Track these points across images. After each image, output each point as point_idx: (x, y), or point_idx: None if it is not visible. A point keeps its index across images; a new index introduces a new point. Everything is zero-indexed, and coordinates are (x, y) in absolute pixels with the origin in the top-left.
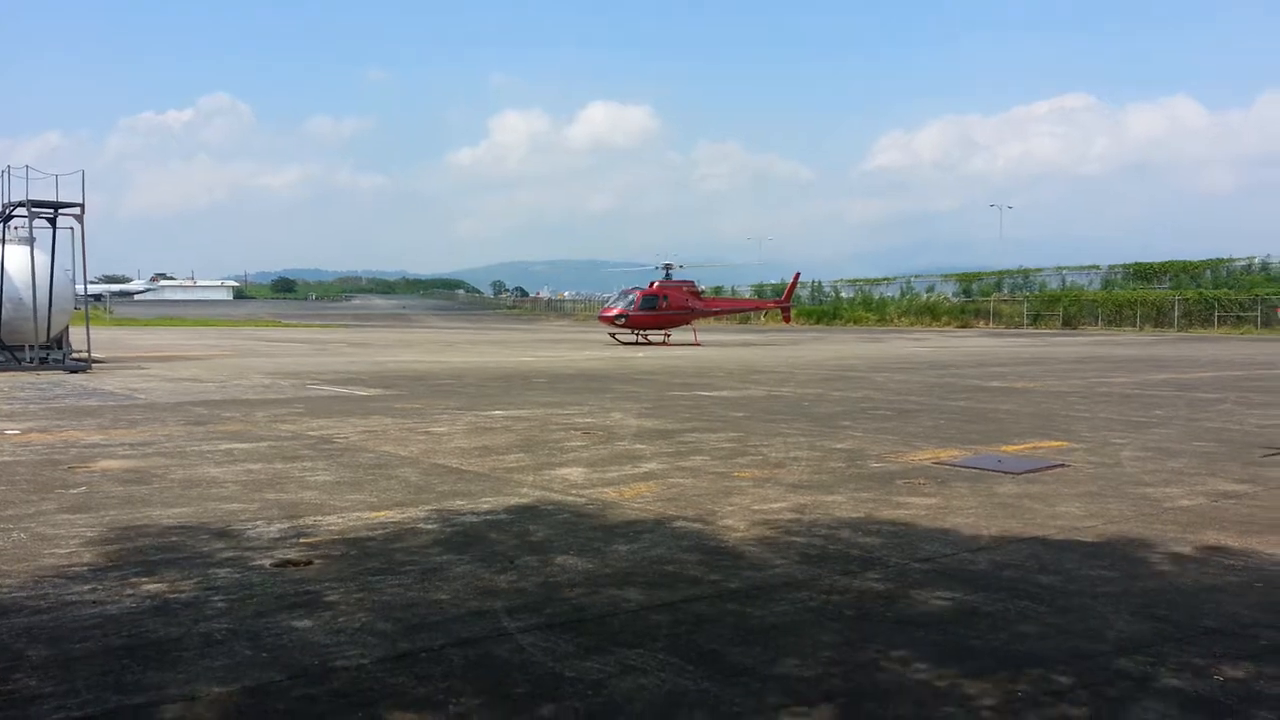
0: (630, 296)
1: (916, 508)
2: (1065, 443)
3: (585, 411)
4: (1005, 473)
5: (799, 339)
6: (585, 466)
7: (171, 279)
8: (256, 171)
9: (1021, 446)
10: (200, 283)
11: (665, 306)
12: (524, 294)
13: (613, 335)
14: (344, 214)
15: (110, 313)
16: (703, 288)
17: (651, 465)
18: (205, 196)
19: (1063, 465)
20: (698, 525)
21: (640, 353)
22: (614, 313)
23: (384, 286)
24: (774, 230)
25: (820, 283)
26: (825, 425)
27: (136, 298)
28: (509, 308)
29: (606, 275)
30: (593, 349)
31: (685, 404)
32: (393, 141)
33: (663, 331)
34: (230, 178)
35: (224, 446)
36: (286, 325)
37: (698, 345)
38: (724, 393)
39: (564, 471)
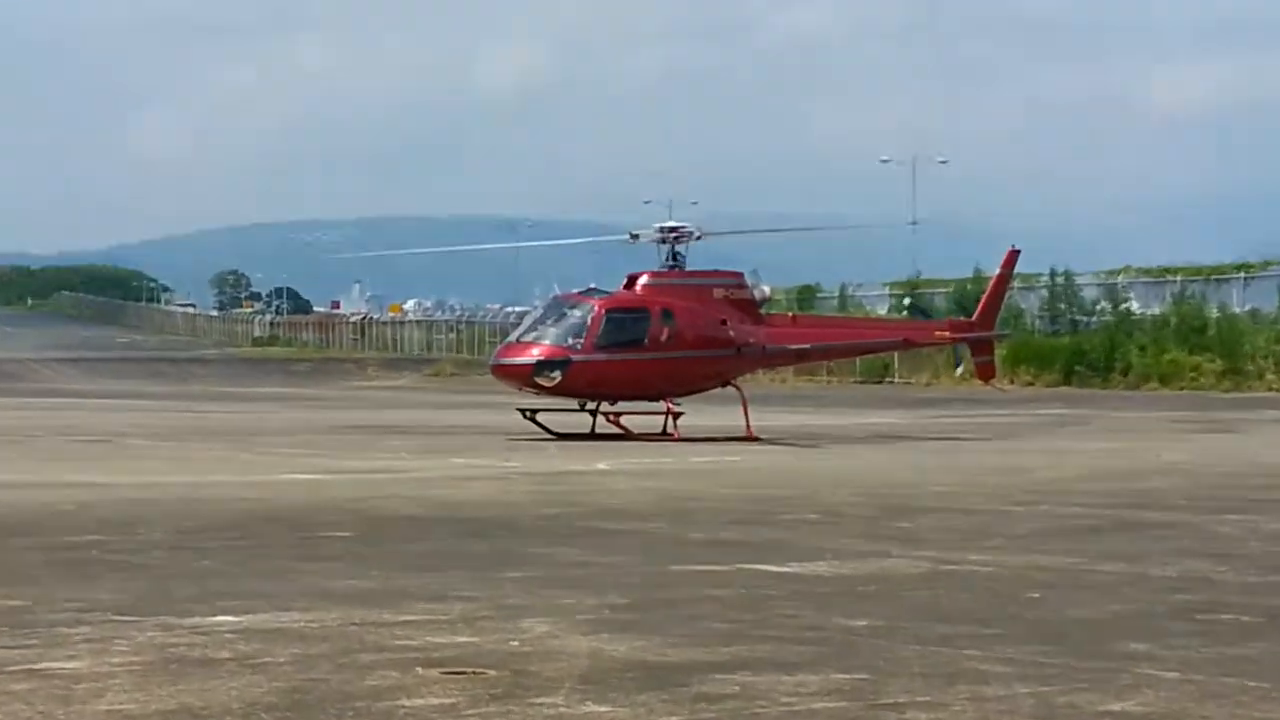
0: (575, 314)
1: None
2: None
3: (456, 616)
4: None
5: (1015, 421)
6: None
7: None
8: None
9: None
10: None
11: (669, 335)
12: (297, 301)
13: (528, 415)
14: None
15: None
16: (768, 290)
17: None
18: None
19: None
20: None
21: (605, 459)
22: (533, 354)
23: None
24: (953, 141)
25: (1069, 275)
26: (1083, 653)
27: None
28: (260, 342)
29: (511, 261)
30: (482, 447)
31: (715, 596)
32: None
33: (663, 398)
34: None
35: None
36: None
37: (751, 439)
38: (817, 565)
39: None
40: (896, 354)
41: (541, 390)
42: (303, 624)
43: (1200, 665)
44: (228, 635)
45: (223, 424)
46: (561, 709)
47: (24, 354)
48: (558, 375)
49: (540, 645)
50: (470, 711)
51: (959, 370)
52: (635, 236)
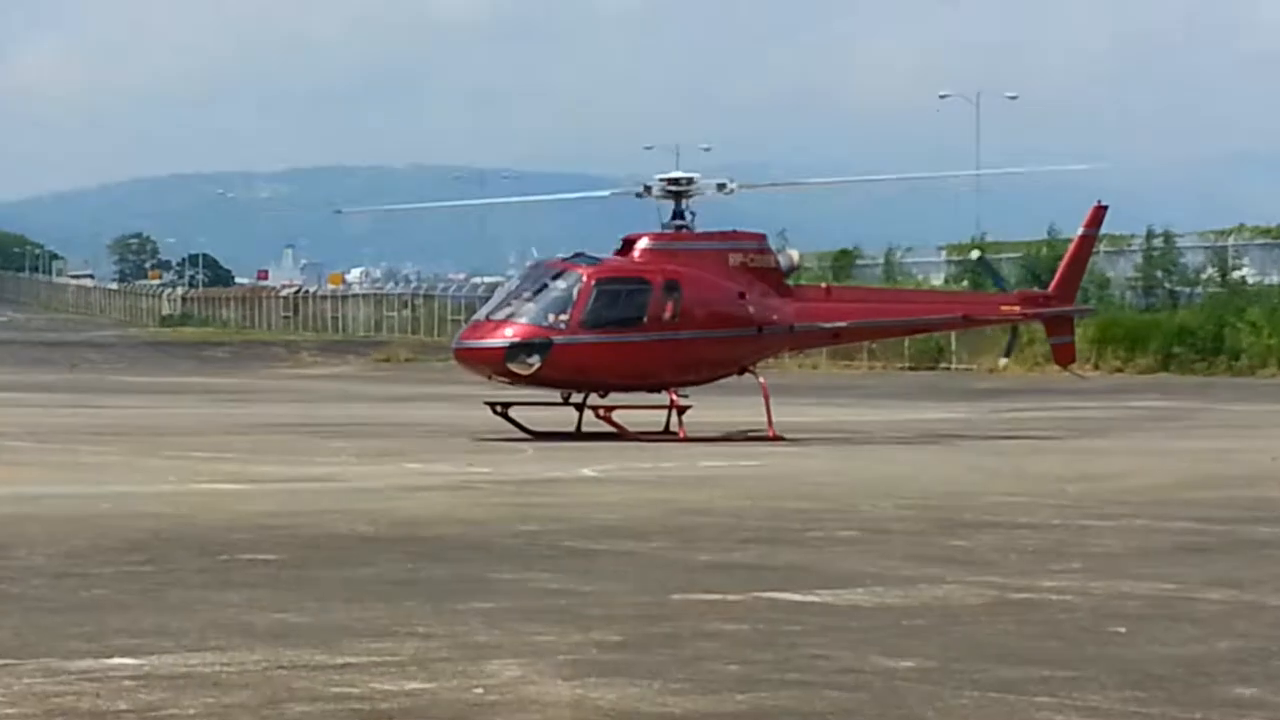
0: (559, 286)
1: None
2: None
3: (408, 657)
4: None
5: (1100, 415)
6: None
7: None
8: None
9: None
10: None
11: (674, 312)
12: (215, 271)
13: (499, 409)
14: None
15: None
16: (796, 256)
17: None
18: None
19: None
20: None
21: (593, 464)
22: (506, 334)
23: None
24: (1026, 75)
25: (1168, 236)
26: (1182, 700)
27: None
28: (170, 321)
29: (481, 221)
30: (443, 450)
31: (727, 631)
32: None
33: (666, 389)
34: None
35: None
36: None
37: (774, 438)
38: (853, 594)
39: None
40: (954, 334)
41: (517, 379)
42: (218, 667)
43: None
44: (126, 682)
45: (122, 422)
46: None
47: None
48: (536, 361)
49: (511, 692)
50: None
51: (1004, 362)
52: (648, 190)
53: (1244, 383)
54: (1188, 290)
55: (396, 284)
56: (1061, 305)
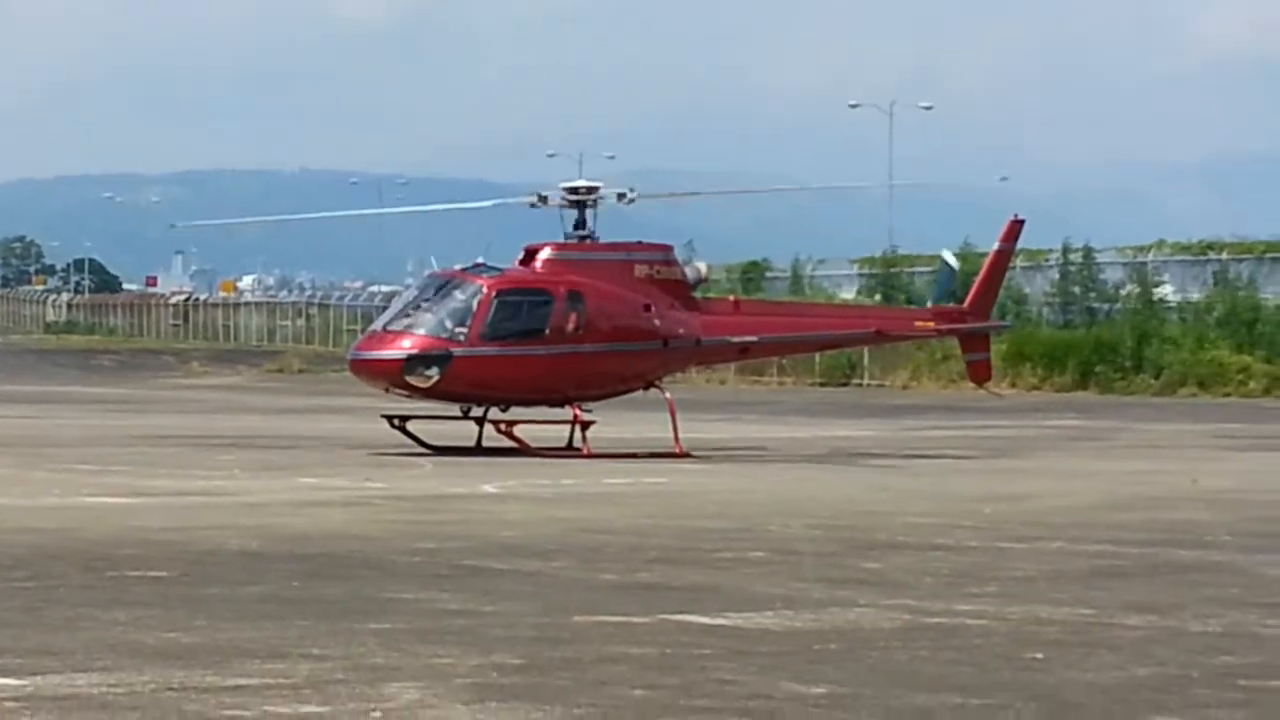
0: (458, 296)
1: None
2: None
3: (302, 679)
4: None
5: (1016, 435)
6: None
7: None
8: None
9: None
10: None
11: (577, 324)
12: (103, 276)
13: (396, 423)
14: None
15: None
16: (703, 268)
17: None
18: None
19: None
20: None
21: (494, 480)
22: (404, 346)
23: None
24: (941, 85)
25: (1086, 251)
26: None
27: None
28: (55, 328)
29: (378, 228)
30: (338, 464)
31: (631, 655)
32: None
33: (569, 404)
34: None
35: None
36: None
37: (681, 455)
38: (762, 617)
39: None
40: (866, 349)
41: (414, 392)
42: (105, 689)
43: None
44: (8, 703)
45: (4, 432)
46: None
47: None
48: (435, 373)
49: (409, 716)
50: None
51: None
52: (543, 199)
53: (1163, 402)
54: (1106, 306)
55: (290, 292)
56: (977, 321)
